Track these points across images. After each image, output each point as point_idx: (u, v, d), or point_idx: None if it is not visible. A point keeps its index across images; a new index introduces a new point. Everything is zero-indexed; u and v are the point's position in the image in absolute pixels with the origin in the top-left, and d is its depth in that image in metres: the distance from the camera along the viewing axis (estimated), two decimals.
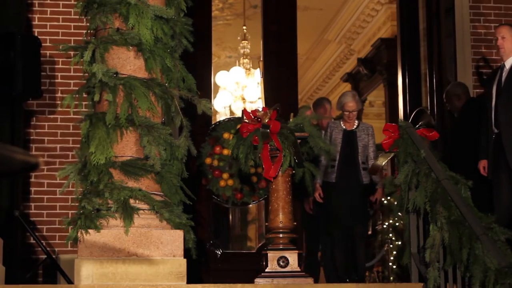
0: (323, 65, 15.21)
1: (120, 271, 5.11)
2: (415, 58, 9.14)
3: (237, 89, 11.87)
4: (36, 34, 7.72)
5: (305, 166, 5.99)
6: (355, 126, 7.63)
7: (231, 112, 11.80)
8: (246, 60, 12.34)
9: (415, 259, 5.86)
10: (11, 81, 6.97)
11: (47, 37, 7.87)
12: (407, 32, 9.24)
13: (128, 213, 5.11)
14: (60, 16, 8.03)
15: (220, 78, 11.80)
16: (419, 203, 5.64)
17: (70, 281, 6.29)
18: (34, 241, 6.94)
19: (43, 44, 7.39)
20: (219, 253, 8.47)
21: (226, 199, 8.34)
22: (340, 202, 7.50)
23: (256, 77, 12.00)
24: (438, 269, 5.44)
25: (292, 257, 5.68)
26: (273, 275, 5.62)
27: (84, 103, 5.40)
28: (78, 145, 5.60)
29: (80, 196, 5.26)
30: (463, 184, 5.68)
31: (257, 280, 5.60)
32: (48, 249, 6.86)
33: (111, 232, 5.14)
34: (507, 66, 6.96)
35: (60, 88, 7.94)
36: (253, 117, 5.71)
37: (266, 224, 5.97)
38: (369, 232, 10.12)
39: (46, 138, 7.87)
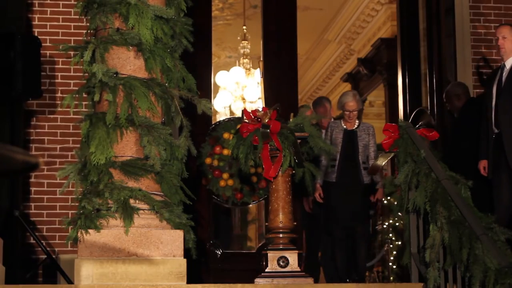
0: (323, 65, 15.21)
1: (120, 271, 5.11)
2: (415, 58, 9.13)
3: (237, 89, 11.86)
4: (36, 34, 7.72)
5: (305, 166, 5.98)
6: (355, 126, 7.62)
7: (231, 112, 11.79)
8: (246, 60, 12.34)
9: (415, 259, 5.85)
10: (11, 81, 6.97)
11: (47, 37, 7.87)
12: (407, 32, 9.23)
13: (128, 213, 5.11)
14: (60, 16, 8.02)
15: (220, 78, 11.79)
16: (419, 203, 5.64)
17: (70, 281, 6.29)
18: (34, 241, 6.94)
19: (43, 44, 7.39)
20: (219, 253, 8.46)
21: (226, 199, 8.34)
22: (341, 201, 7.50)
23: (256, 77, 11.99)
24: (438, 269, 5.43)
25: (292, 257, 5.68)
26: (273, 275, 5.61)
27: (84, 103, 5.40)
28: (78, 145, 5.60)
29: (80, 196, 5.26)
30: (463, 184, 5.67)
31: (257, 280, 5.60)
32: (48, 249, 6.86)
33: (111, 232, 5.14)
34: (508, 66, 6.96)
35: (60, 88, 7.93)
36: (253, 117, 5.70)
37: (266, 224, 5.96)
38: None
39: (46, 138, 7.87)
